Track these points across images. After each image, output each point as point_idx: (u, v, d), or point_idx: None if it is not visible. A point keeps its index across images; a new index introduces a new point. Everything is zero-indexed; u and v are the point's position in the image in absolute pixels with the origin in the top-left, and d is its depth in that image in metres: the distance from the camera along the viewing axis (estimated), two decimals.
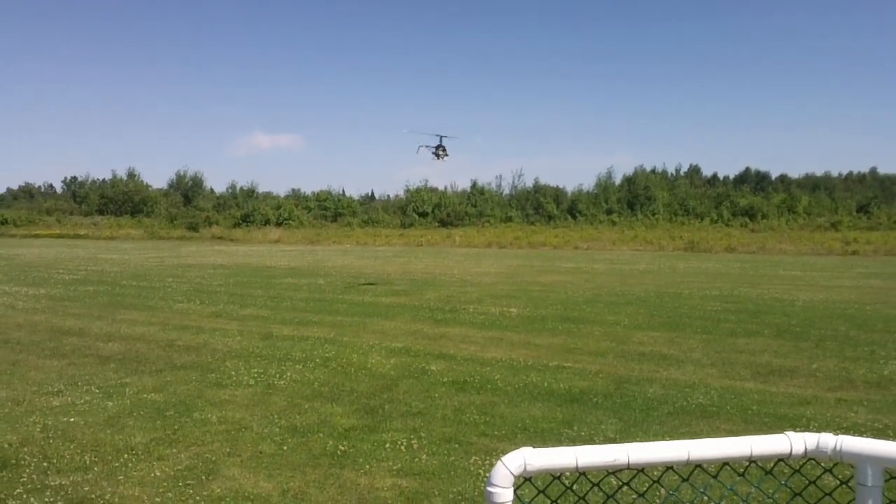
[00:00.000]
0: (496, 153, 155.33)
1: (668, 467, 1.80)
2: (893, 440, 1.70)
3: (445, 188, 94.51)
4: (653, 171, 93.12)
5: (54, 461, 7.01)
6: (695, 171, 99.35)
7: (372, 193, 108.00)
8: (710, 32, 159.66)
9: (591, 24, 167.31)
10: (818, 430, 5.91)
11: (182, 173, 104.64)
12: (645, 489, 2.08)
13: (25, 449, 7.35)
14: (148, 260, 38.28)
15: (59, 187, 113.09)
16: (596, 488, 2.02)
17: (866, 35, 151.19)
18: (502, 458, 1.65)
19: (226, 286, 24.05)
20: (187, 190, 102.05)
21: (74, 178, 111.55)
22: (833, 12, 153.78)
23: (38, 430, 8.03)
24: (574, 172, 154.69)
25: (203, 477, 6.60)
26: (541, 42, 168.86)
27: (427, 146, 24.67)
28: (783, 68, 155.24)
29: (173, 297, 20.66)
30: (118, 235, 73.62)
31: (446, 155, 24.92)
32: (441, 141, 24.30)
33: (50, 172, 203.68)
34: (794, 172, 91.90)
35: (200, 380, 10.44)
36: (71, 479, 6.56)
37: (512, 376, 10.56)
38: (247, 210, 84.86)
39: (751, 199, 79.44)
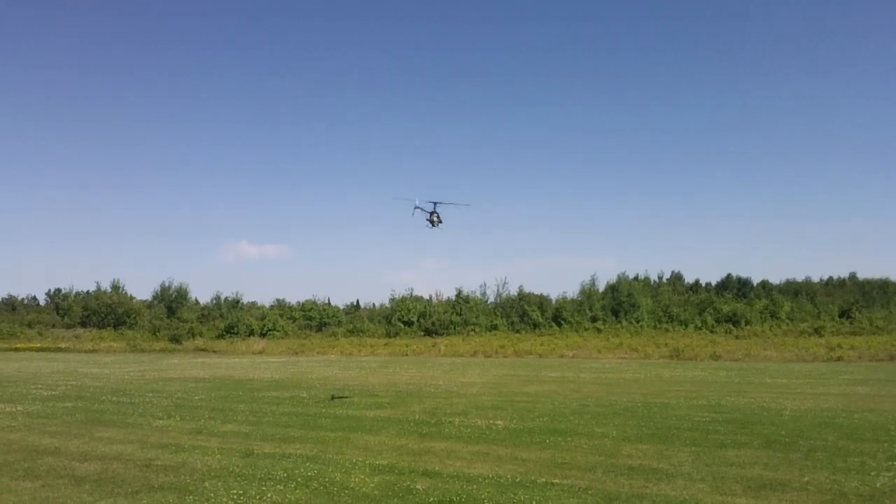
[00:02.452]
0: (481, 261, 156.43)
1: None
2: None
3: (430, 297, 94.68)
4: (635, 278, 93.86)
5: None
6: (677, 277, 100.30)
7: (357, 302, 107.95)
8: (689, 140, 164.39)
9: (570, 132, 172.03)
10: None
11: (167, 285, 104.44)
12: None
13: None
14: (129, 374, 37.69)
15: (42, 299, 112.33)
16: None
17: (844, 144, 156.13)
18: None
19: (207, 400, 23.64)
20: (171, 301, 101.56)
21: (58, 290, 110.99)
22: (812, 121, 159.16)
23: None
24: (558, 279, 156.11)
25: None
26: (521, 150, 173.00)
27: (422, 209, 24.45)
28: (761, 174, 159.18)
29: (153, 413, 20.25)
30: (100, 348, 72.70)
31: (440, 222, 24.62)
32: (435, 207, 24.15)
33: (33, 284, 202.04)
34: (776, 278, 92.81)
35: (178, 502, 10.12)
36: None
37: (499, 494, 10.31)
38: (231, 321, 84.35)
39: (733, 305, 79.94)
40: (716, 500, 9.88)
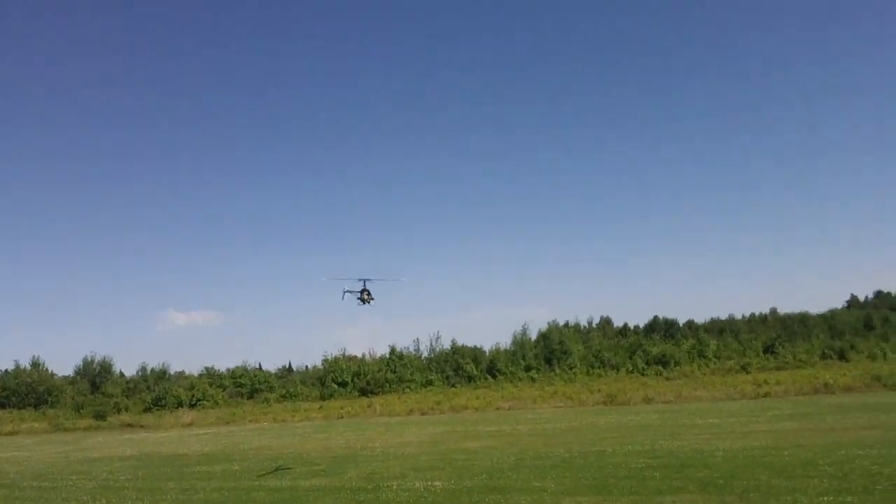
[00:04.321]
0: (413, 316, 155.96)
1: None
2: None
3: (364, 355, 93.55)
4: (566, 325, 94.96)
5: None
6: (606, 322, 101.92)
7: (289, 365, 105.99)
8: (610, 187, 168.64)
9: (494, 181, 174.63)
10: None
11: (89, 359, 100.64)
12: None
13: None
14: (51, 456, 36.04)
15: None
16: None
17: (764, 179, 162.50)
18: None
19: (134, 480, 22.74)
20: (95, 376, 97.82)
21: None
22: (731, 164, 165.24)
23: None
24: (490, 329, 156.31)
25: None
26: (452, 205, 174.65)
27: (351, 291, 24.24)
28: (681, 217, 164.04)
29: (77, 498, 19.39)
30: (20, 430, 69.19)
31: (372, 299, 24.35)
32: (365, 284, 24.02)
33: None
34: (700, 317, 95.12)
35: None
36: None
37: None
38: (158, 393, 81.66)
39: (662, 346, 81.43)
40: None
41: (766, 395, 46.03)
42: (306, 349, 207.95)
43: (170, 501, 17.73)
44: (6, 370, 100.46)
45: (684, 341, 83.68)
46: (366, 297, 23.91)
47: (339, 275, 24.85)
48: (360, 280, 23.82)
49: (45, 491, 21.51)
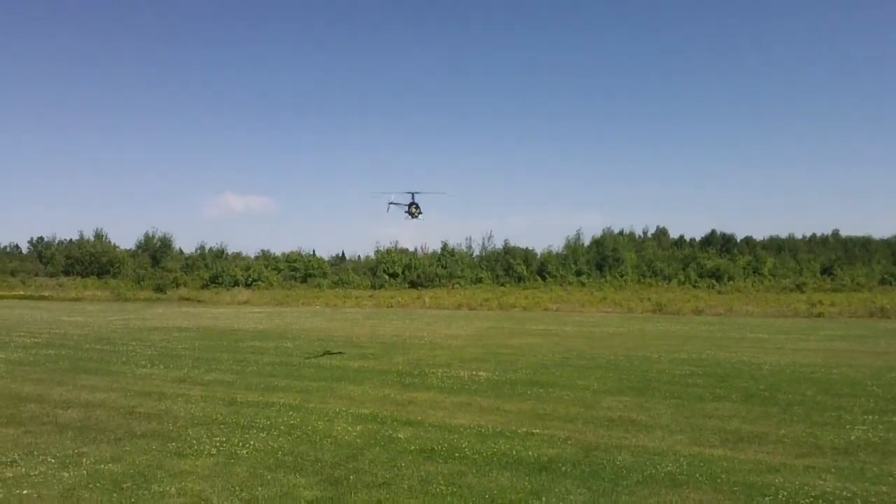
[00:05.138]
0: (466, 215, 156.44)
1: None
2: None
3: (416, 249, 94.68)
4: (620, 233, 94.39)
5: None
6: (662, 232, 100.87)
7: (342, 254, 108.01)
8: (674, 95, 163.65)
9: (556, 85, 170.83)
10: (787, 499, 5.87)
11: (150, 234, 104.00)
12: None
13: None
14: (112, 323, 37.63)
15: (24, 248, 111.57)
16: None
17: (827, 101, 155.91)
18: None
19: (191, 350, 23.67)
20: (155, 251, 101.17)
21: (41, 238, 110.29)
22: (794, 76, 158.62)
23: None
24: (543, 234, 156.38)
25: None
26: (508, 103, 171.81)
27: (398, 203, 23.61)
28: (747, 132, 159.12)
29: (136, 362, 20.26)
30: (84, 297, 72.40)
31: (420, 213, 23.72)
32: (413, 198, 23.35)
33: (16, 232, 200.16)
34: (759, 234, 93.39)
35: (160, 449, 10.17)
36: None
37: (480, 444, 10.42)
38: (215, 271, 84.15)
39: (717, 261, 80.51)
40: (693, 451, 10.02)
41: (819, 314, 45.39)
42: (359, 240, 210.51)
43: (224, 371, 18.42)
44: (71, 240, 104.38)
45: (740, 257, 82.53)
46: (414, 210, 23.13)
47: (386, 188, 24.11)
48: (407, 192, 23.11)
49: (107, 353, 22.52)
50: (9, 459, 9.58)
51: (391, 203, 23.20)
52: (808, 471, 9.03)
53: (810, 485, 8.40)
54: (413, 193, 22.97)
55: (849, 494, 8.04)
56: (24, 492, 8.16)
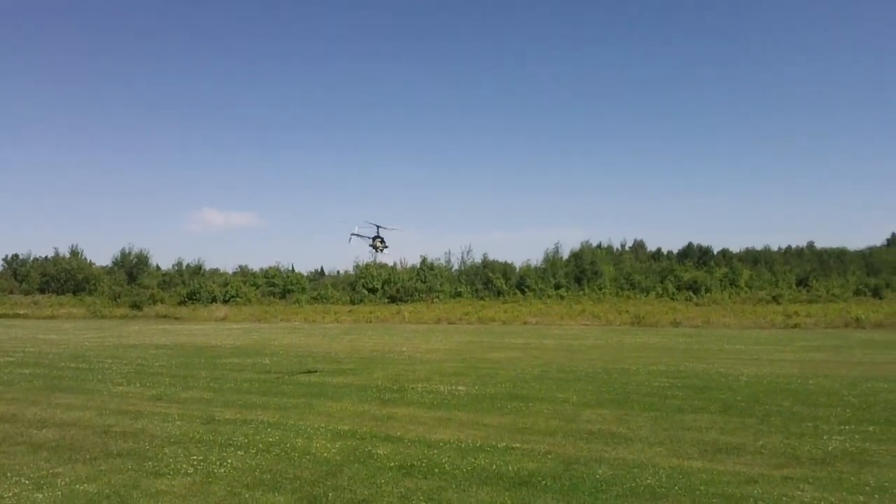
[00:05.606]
0: (445, 230, 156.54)
1: None
2: None
3: (395, 264, 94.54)
4: (598, 247, 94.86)
5: None
6: (639, 245, 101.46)
7: (321, 269, 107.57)
8: (650, 109, 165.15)
9: (538, 99, 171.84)
10: None
11: (127, 251, 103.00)
12: None
13: None
14: (89, 340, 37.22)
15: None
16: None
17: (803, 114, 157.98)
18: None
19: (168, 367, 23.44)
20: (132, 267, 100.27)
21: (16, 255, 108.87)
22: (769, 90, 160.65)
23: None
24: (522, 248, 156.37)
25: None
26: (489, 120, 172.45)
27: (360, 236, 22.93)
28: (722, 146, 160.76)
29: (112, 380, 20.03)
30: (59, 315, 71.57)
31: (385, 247, 23.10)
32: (378, 231, 22.77)
33: None
34: (735, 247, 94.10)
35: (137, 468, 10.04)
36: None
37: (460, 459, 10.39)
38: (193, 287, 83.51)
39: (694, 273, 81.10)
40: (672, 463, 10.05)
41: (795, 325, 45.88)
42: (339, 255, 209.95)
43: (202, 388, 18.25)
44: (46, 257, 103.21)
45: (717, 269, 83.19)
46: (378, 244, 22.62)
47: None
48: (372, 224, 22.55)
49: (82, 371, 22.26)
50: None
51: (353, 234, 22.69)
52: (785, 481, 9.08)
53: (788, 495, 8.45)
54: (378, 227, 22.62)
55: None
56: None
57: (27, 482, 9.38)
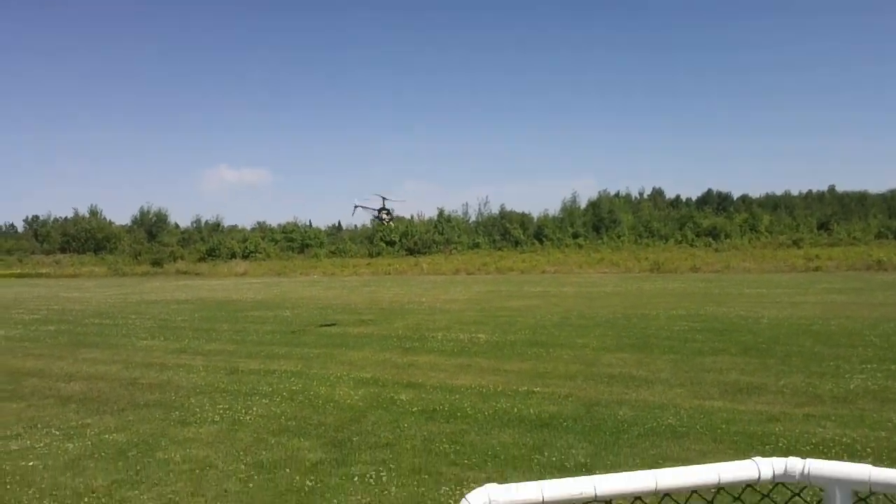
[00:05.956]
0: (462, 181, 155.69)
1: (637, 497, 1.73)
2: (861, 455, 1.66)
3: (412, 217, 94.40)
4: (616, 195, 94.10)
5: None
6: (658, 193, 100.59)
7: (339, 224, 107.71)
8: (668, 60, 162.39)
9: (550, 52, 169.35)
10: (787, 447, 5.86)
11: (145, 209, 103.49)
12: None
13: None
14: (111, 297, 37.64)
15: (20, 226, 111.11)
16: None
17: (821, 61, 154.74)
18: (466, 496, 1.56)
19: (190, 321, 23.70)
20: (151, 226, 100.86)
21: (36, 216, 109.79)
22: (788, 41, 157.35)
23: None
24: (539, 198, 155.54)
25: None
26: (503, 70, 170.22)
27: (365, 207, 22.47)
28: (740, 92, 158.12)
29: (136, 335, 20.30)
30: (81, 273, 72.34)
31: (391, 219, 22.72)
32: (384, 203, 22.35)
33: (11, 212, 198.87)
34: (755, 192, 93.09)
35: (164, 418, 10.21)
36: None
37: (482, 403, 10.47)
38: (212, 244, 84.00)
39: (713, 219, 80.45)
40: (693, 404, 10.08)
41: (816, 269, 45.58)
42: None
43: (225, 341, 18.46)
44: (66, 217, 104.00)
45: (736, 215, 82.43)
46: (384, 216, 22.24)
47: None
48: (377, 195, 22.11)
49: (106, 327, 22.56)
50: (13, 433, 9.62)
51: (357, 206, 22.30)
52: (807, 419, 9.10)
53: (810, 432, 8.47)
54: (384, 199, 22.30)
55: (848, 441, 8.10)
56: (30, 463, 8.20)
57: (58, 433, 9.57)
